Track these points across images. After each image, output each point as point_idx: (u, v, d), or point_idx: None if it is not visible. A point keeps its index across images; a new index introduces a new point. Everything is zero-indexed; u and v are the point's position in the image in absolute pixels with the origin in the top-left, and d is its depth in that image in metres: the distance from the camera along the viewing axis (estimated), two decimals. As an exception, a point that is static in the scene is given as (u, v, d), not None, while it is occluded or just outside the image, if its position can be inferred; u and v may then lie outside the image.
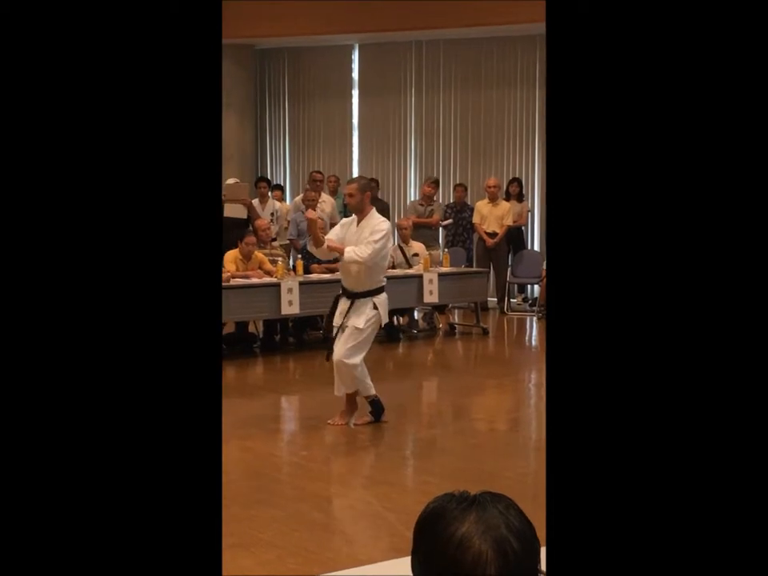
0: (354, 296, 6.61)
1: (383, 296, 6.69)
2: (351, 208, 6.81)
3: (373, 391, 6.71)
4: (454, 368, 9.72)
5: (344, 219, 7.15)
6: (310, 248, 7.12)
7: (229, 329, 9.92)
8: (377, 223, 6.60)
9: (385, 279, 6.80)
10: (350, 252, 6.47)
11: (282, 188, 13.92)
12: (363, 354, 6.65)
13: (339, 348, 6.58)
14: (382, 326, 6.74)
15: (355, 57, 14.53)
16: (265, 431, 6.71)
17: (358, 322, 6.55)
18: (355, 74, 14.58)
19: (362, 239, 6.53)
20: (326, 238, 6.67)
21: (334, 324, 6.68)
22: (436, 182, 12.65)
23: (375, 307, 6.59)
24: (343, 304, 6.65)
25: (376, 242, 6.49)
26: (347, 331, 6.57)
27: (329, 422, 6.72)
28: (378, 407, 6.79)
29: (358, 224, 6.64)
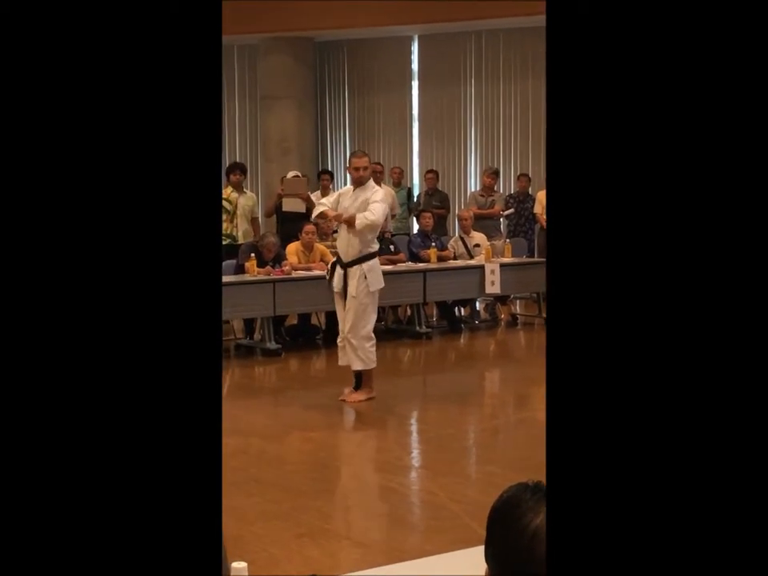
0: (345, 265, 6.98)
1: (371, 263, 7.01)
2: (361, 181, 7.03)
3: (372, 365, 7.04)
4: (517, 358, 9.68)
5: (341, 189, 7.63)
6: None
7: (291, 321, 9.98)
8: (374, 190, 7.01)
9: (376, 246, 7.15)
10: (360, 218, 6.82)
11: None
12: (369, 325, 6.99)
13: (346, 322, 6.97)
14: (372, 290, 7.02)
15: (415, 48, 14.51)
16: (327, 422, 6.74)
17: (351, 291, 6.92)
18: (415, 65, 14.57)
19: (357, 206, 6.88)
20: (327, 210, 7.08)
21: (335, 289, 7.06)
22: (496, 173, 12.57)
23: (365, 277, 6.90)
24: (339, 273, 7.02)
25: (378, 201, 6.89)
26: (349, 303, 6.94)
27: (343, 398, 7.10)
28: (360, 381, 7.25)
29: (353, 191, 7.03)
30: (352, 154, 7.37)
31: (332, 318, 10.03)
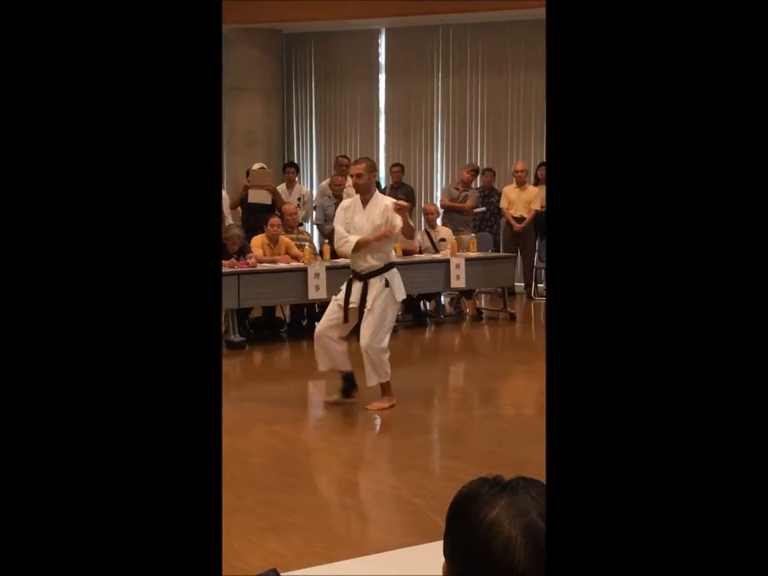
0: (365, 277, 6.63)
1: (393, 271, 6.71)
2: (359, 189, 6.67)
3: (388, 378, 6.75)
4: (481, 353, 9.71)
5: (343, 202, 7.10)
6: (403, 242, 6.97)
7: (256, 313, 9.95)
8: (391, 202, 6.66)
9: (393, 255, 6.87)
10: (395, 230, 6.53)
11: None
12: (387, 336, 6.69)
13: (364, 335, 6.60)
14: (398, 301, 6.80)
15: (382, 41, 14.50)
16: (292, 416, 6.73)
17: (375, 304, 6.58)
18: (382, 58, 14.56)
19: (373, 220, 6.56)
20: (364, 239, 6.58)
21: (352, 304, 6.65)
22: (476, 170, 12.65)
23: (387, 285, 6.60)
24: (356, 287, 6.65)
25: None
26: (368, 315, 6.59)
27: (367, 407, 6.73)
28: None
29: (364, 205, 6.64)
30: (354, 161, 7.06)
31: (297, 311, 10.05)
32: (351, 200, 6.86)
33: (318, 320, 10.24)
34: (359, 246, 6.56)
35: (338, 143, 14.87)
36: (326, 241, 10.50)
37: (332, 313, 6.81)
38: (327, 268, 9.45)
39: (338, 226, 6.73)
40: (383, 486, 5.40)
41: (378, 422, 6.58)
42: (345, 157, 12.32)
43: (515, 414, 7.01)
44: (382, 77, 14.61)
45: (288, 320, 10.09)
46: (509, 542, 1.34)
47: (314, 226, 12.11)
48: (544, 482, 1.45)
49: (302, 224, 11.09)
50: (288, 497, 4.93)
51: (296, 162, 13.92)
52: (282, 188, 11.50)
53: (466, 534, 1.37)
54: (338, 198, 11.16)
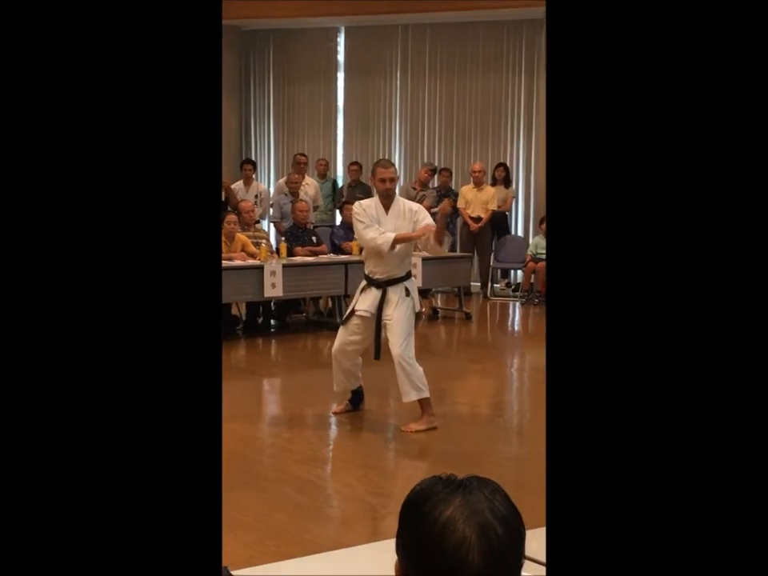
0: (384, 284, 6.25)
1: (411, 280, 6.41)
2: (391, 193, 6.19)
3: (427, 393, 6.32)
4: (437, 352, 9.71)
5: (362, 202, 6.41)
6: (431, 248, 6.36)
7: (212, 311, 9.89)
8: (418, 207, 6.33)
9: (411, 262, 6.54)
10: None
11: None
12: (413, 344, 6.32)
13: (394, 346, 6.23)
14: (417, 311, 6.44)
15: (341, 39, 14.48)
16: (247, 413, 6.70)
17: (398, 313, 6.22)
18: (341, 57, 14.53)
19: (399, 227, 6.13)
20: (406, 234, 6.14)
21: (367, 313, 6.27)
22: (434, 170, 12.67)
23: (408, 293, 6.27)
24: (374, 294, 6.25)
25: (428, 217, 6.24)
26: (391, 326, 6.23)
27: (402, 428, 6.28)
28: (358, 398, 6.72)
29: (386, 210, 6.17)
30: (377, 163, 6.32)
31: (253, 308, 10.02)
32: (370, 201, 6.33)
33: (274, 317, 10.33)
34: (397, 242, 6.08)
35: (296, 141, 14.82)
36: (283, 239, 10.47)
37: (353, 326, 6.38)
38: (283, 266, 9.42)
39: (366, 221, 6.14)
40: (337, 484, 5.39)
41: (333, 420, 6.57)
42: (303, 155, 12.29)
43: (470, 413, 7.03)
44: (341, 75, 14.58)
45: (244, 318, 10.05)
46: (463, 541, 1.34)
47: (271, 224, 12.05)
48: (498, 481, 1.46)
49: (258, 221, 11.03)
50: (241, 494, 4.92)
51: (254, 159, 13.85)
52: (239, 185, 11.44)
53: (420, 531, 1.38)
54: (295, 195, 11.14)
